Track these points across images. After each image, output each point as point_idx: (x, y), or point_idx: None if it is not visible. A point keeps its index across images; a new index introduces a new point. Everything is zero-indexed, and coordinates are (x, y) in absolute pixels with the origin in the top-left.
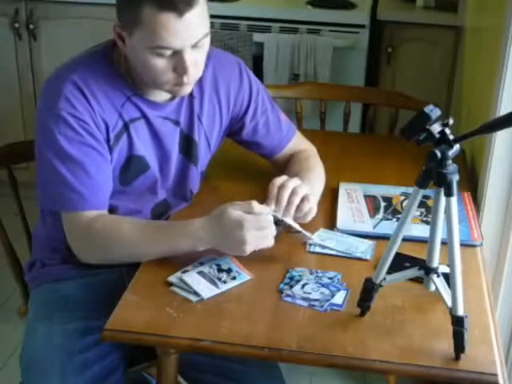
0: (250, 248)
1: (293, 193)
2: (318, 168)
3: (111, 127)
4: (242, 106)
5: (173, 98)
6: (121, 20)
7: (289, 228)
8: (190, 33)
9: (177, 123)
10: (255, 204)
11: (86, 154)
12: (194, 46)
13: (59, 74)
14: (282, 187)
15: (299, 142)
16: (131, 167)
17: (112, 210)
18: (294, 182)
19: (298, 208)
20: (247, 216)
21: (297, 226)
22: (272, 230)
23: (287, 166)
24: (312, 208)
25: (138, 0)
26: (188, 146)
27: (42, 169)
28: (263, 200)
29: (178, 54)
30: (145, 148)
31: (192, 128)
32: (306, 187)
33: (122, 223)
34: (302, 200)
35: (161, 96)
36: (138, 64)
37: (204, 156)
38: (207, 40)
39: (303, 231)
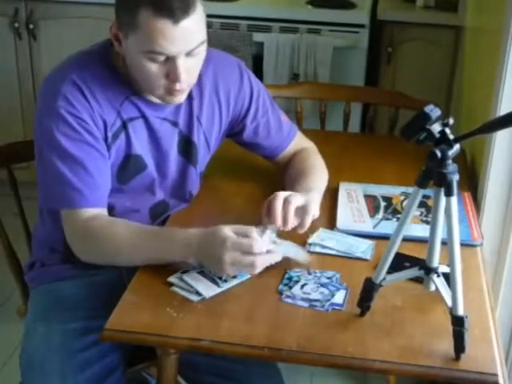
0: (228, 269)
1: (291, 211)
2: (320, 165)
3: (109, 125)
4: (243, 107)
5: None
6: (118, 21)
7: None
8: (185, 40)
9: (175, 124)
10: (254, 231)
11: (84, 152)
12: (189, 54)
13: (57, 72)
14: (285, 202)
15: (300, 143)
16: (129, 166)
17: (109, 208)
18: (294, 203)
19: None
20: (232, 236)
21: (294, 258)
22: (259, 260)
23: (289, 166)
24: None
25: (135, 3)
26: (187, 147)
27: (42, 167)
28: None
29: (171, 61)
30: (142, 147)
31: (191, 129)
32: (315, 206)
33: (117, 225)
34: (298, 225)
35: None
36: (133, 66)
37: (203, 157)
38: (203, 48)
39: (300, 260)
